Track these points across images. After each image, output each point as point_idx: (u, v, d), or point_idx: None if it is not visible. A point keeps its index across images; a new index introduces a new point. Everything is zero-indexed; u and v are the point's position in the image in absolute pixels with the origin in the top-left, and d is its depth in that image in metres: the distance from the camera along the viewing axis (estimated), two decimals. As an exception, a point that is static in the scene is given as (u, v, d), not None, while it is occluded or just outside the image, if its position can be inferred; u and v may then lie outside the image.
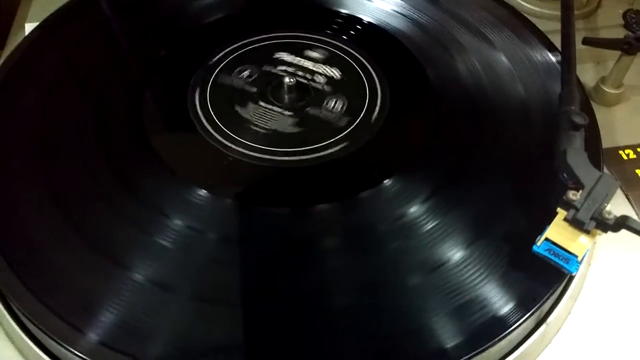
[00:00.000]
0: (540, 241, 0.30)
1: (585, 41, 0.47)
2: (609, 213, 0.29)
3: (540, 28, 0.48)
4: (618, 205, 0.41)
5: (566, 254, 0.30)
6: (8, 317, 0.33)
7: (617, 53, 0.46)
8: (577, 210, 0.29)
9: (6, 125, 0.39)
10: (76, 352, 0.29)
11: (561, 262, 0.30)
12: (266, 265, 0.33)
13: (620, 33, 0.52)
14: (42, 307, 0.30)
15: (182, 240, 0.33)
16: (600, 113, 0.46)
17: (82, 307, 0.30)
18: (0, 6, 0.62)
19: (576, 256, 0.30)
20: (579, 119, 0.34)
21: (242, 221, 0.35)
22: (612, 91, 0.47)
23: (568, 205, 0.30)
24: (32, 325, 0.31)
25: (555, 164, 0.33)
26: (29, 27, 0.49)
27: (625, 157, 0.44)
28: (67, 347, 0.29)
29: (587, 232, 0.29)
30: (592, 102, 0.47)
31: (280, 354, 0.30)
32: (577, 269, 0.30)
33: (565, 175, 0.32)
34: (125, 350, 0.29)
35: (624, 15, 0.54)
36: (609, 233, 0.32)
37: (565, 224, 0.30)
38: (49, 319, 0.30)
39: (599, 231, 0.30)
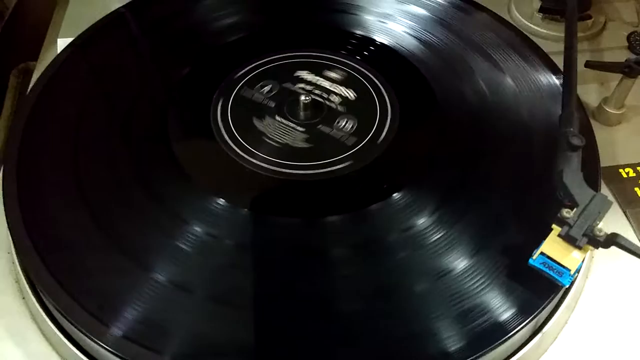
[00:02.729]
0: (535, 255, 0.32)
1: (588, 64, 0.49)
2: (600, 230, 0.31)
3: (545, 49, 0.49)
4: (616, 222, 0.42)
5: (560, 267, 0.32)
6: (43, 314, 0.36)
7: (620, 75, 0.48)
8: (571, 227, 0.32)
9: (42, 136, 0.42)
10: (102, 344, 0.32)
11: (555, 275, 0.32)
12: (279, 272, 0.35)
13: (624, 55, 0.54)
14: (73, 302, 0.33)
15: (201, 245, 0.36)
16: (602, 132, 0.48)
17: (109, 304, 0.33)
18: (32, 20, 0.65)
19: (569, 270, 0.32)
20: (576, 141, 0.36)
21: (257, 230, 0.37)
22: (614, 112, 0.49)
23: (562, 222, 0.32)
24: (64, 320, 0.34)
25: (552, 182, 0.35)
26: (61, 42, 0.52)
27: (625, 175, 0.46)
28: (94, 339, 0.32)
29: (579, 247, 0.31)
30: (594, 122, 0.49)
31: (290, 354, 0.32)
32: (569, 282, 0.32)
33: (561, 193, 0.34)
34: (146, 343, 0.32)
35: (629, 38, 0.56)
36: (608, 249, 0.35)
37: (560, 240, 0.32)
38: (79, 314, 0.33)
39: (590, 247, 0.32)
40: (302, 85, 0.46)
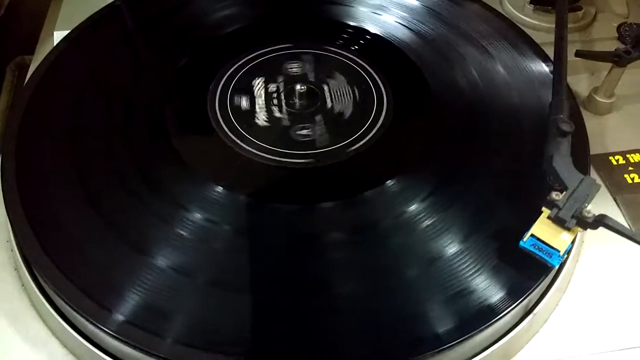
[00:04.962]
0: (526, 237, 0.33)
1: (578, 54, 0.49)
2: (589, 212, 0.32)
3: (537, 40, 0.50)
4: (606, 208, 0.43)
5: (549, 248, 0.33)
6: (43, 300, 0.36)
7: (610, 64, 0.49)
8: (560, 209, 0.32)
9: (40, 126, 0.43)
10: (105, 329, 0.32)
11: (544, 256, 0.33)
12: (276, 256, 0.36)
13: (614, 45, 0.54)
14: (75, 290, 0.34)
15: (200, 231, 0.37)
16: (593, 121, 0.49)
17: (112, 291, 0.34)
18: (28, 14, 0.65)
19: (558, 251, 0.32)
20: (565, 127, 0.37)
21: (255, 216, 0.38)
22: (604, 100, 0.50)
23: (551, 204, 0.33)
24: (66, 306, 0.34)
25: (542, 167, 0.36)
26: (57, 36, 0.52)
27: (614, 163, 0.47)
28: (98, 324, 0.32)
29: (568, 229, 0.32)
30: (585, 111, 0.50)
31: (287, 335, 0.33)
32: (558, 263, 0.33)
33: (551, 178, 0.35)
34: (149, 328, 0.32)
35: (618, 29, 0.56)
36: (598, 232, 0.35)
37: (549, 222, 0.33)
38: (82, 300, 0.33)
39: (579, 228, 0.33)
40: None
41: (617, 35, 0.56)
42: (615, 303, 0.38)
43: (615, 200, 0.44)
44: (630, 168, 0.46)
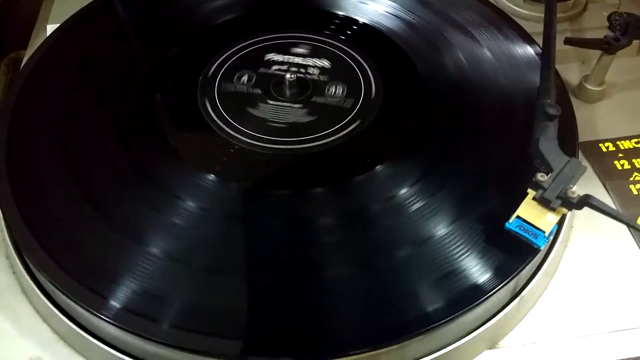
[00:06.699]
0: (512, 218, 0.33)
1: (567, 41, 0.50)
2: (574, 193, 0.32)
3: (528, 30, 0.50)
4: (596, 194, 0.43)
5: (535, 229, 0.33)
6: (35, 288, 0.36)
7: (599, 52, 0.49)
8: (545, 190, 0.32)
9: (32, 115, 0.43)
10: (101, 316, 0.32)
11: (530, 237, 0.33)
12: (270, 241, 0.36)
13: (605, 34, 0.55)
14: (70, 279, 0.34)
15: (194, 218, 0.37)
16: (583, 109, 0.49)
17: (107, 278, 0.34)
18: (23, 9, 0.66)
19: (543, 232, 0.33)
20: (552, 110, 0.37)
21: (247, 202, 0.38)
22: (594, 88, 0.50)
23: (537, 185, 0.33)
24: (59, 294, 0.34)
25: (529, 150, 0.36)
26: (50, 29, 0.53)
27: (604, 150, 0.47)
28: (94, 311, 0.33)
29: (553, 209, 0.32)
30: (576, 99, 0.50)
31: (280, 318, 0.33)
32: (544, 244, 0.33)
33: (538, 161, 0.35)
34: (145, 313, 0.33)
35: (609, 18, 0.57)
36: (587, 218, 0.35)
37: (535, 203, 0.33)
38: (76, 288, 0.34)
39: (564, 209, 0.33)
40: (276, 66, 0.47)
41: (607, 24, 0.56)
42: (602, 288, 0.39)
43: (605, 187, 0.44)
44: (620, 155, 0.46)
